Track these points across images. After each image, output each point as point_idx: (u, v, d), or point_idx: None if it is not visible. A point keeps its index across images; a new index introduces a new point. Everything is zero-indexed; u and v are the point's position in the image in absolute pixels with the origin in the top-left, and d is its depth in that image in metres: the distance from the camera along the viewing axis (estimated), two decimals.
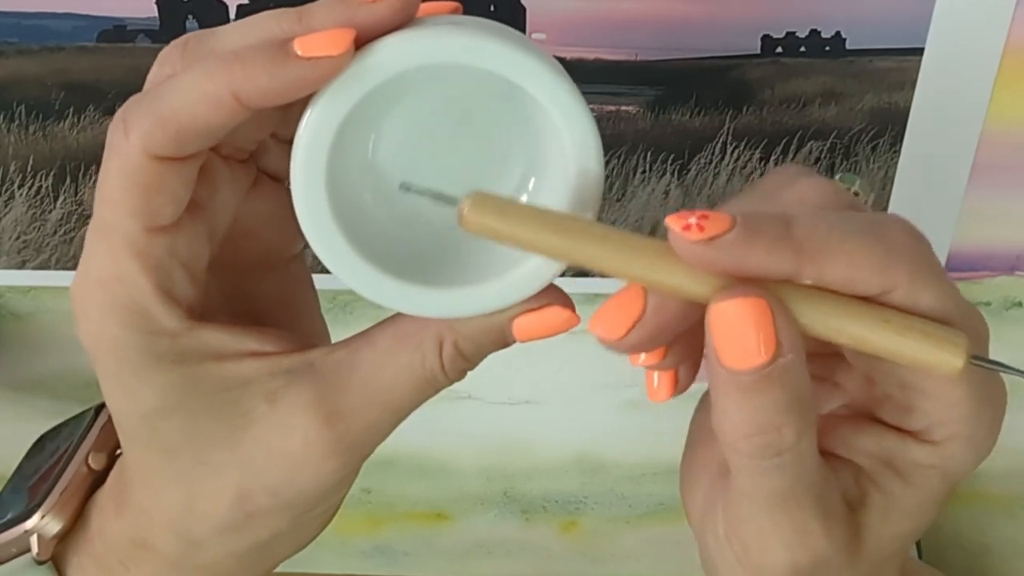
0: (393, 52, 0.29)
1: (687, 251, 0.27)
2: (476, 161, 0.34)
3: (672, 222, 0.27)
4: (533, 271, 0.31)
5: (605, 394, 0.61)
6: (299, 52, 0.27)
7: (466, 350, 0.31)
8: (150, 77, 0.30)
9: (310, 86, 0.28)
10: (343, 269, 0.31)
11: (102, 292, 0.30)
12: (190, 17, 0.48)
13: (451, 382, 0.32)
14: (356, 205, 0.32)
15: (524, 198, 0.33)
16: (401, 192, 0.32)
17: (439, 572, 0.73)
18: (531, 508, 0.68)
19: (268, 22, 0.29)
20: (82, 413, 0.39)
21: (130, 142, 0.28)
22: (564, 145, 0.30)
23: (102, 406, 0.38)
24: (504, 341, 0.31)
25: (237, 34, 0.29)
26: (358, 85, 0.29)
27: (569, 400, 0.62)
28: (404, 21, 0.29)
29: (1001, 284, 0.55)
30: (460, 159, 0.34)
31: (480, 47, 0.29)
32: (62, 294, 0.56)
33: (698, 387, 0.64)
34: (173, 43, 0.30)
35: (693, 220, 0.27)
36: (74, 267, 0.54)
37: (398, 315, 0.32)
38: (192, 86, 0.28)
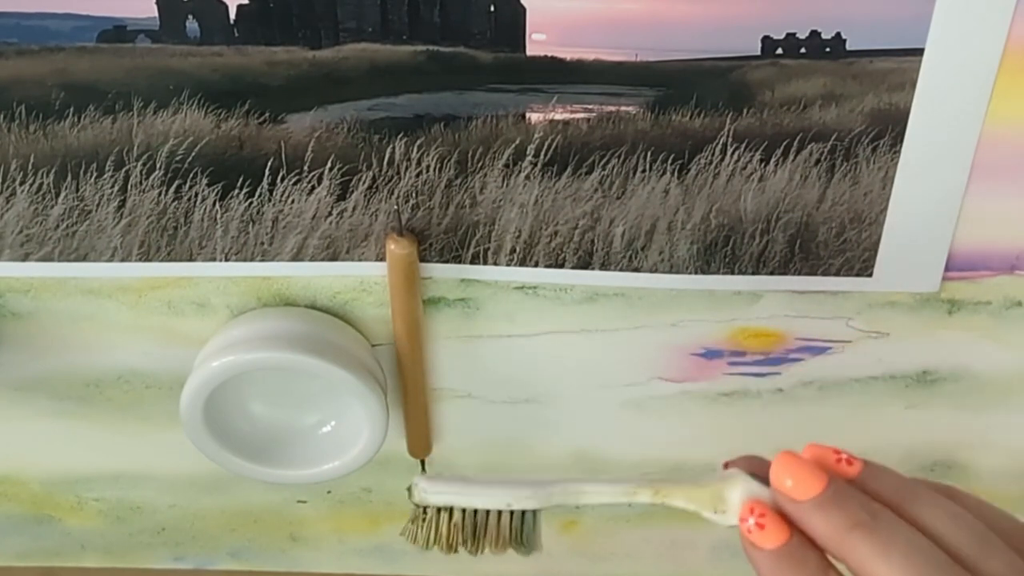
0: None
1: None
2: (299, 401, 0.59)
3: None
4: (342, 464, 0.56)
5: (605, 394, 0.61)
6: None
7: None
8: None
9: None
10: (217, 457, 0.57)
11: None
12: (190, 17, 0.48)
13: None
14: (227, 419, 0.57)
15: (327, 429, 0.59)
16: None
17: (438, 571, 0.73)
18: None
19: None
20: None
21: None
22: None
23: None
24: None
25: None
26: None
27: (569, 400, 0.62)
28: None
29: (1001, 284, 0.55)
30: (292, 400, 0.59)
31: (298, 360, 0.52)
32: (63, 293, 0.57)
33: (699, 388, 0.64)
34: None
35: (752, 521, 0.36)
36: (75, 260, 0.54)
37: None
38: None
